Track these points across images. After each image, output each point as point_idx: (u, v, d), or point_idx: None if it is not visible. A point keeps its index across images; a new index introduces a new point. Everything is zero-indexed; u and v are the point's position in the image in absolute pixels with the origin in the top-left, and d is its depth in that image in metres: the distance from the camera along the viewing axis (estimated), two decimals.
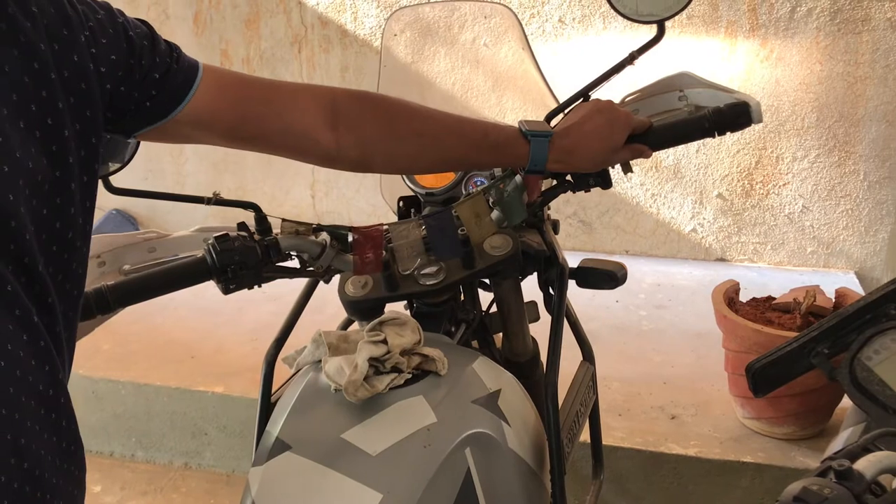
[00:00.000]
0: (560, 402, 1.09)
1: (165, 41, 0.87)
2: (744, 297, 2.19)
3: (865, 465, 0.82)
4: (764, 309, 2.12)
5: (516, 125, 1.00)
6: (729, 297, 2.14)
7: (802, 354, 1.07)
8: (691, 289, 2.94)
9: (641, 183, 3.15)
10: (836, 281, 2.84)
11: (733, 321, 2.00)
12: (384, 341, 0.93)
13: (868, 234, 2.99)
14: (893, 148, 2.87)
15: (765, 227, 3.09)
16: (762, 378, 1.09)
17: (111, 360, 2.53)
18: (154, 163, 3.53)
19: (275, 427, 0.93)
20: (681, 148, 3.06)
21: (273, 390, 1.10)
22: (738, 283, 2.18)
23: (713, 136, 1.02)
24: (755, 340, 1.93)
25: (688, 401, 2.26)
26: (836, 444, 1.06)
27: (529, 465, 0.98)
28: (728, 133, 1.01)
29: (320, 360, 0.98)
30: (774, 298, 2.16)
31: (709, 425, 2.15)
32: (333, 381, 0.92)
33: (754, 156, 3.02)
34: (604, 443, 2.04)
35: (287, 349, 1.11)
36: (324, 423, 0.91)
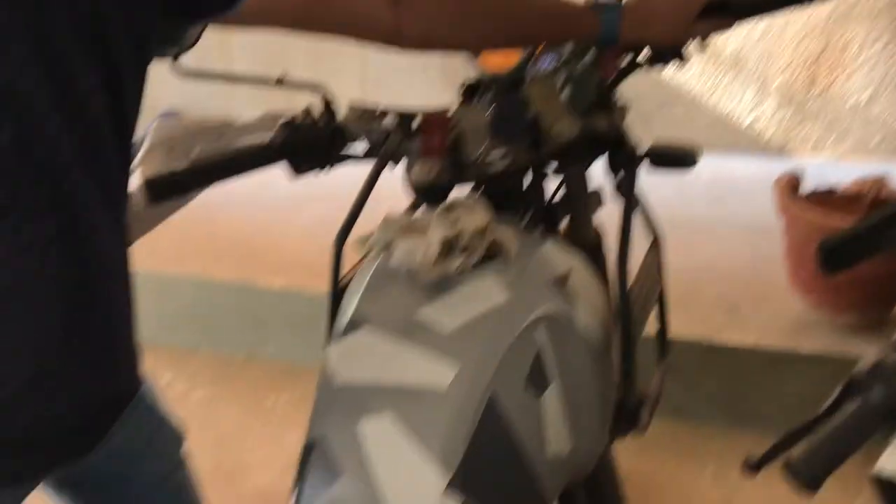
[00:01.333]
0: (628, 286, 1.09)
1: None
2: (805, 190, 2.15)
3: None
4: (826, 200, 2.07)
5: None
6: (791, 185, 2.09)
7: (877, 234, 1.05)
8: (750, 182, 2.88)
9: (700, 73, 3.05)
10: None
11: (795, 209, 1.96)
12: (456, 223, 0.93)
13: None
14: None
15: (828, 118, 2.99)
16: (833, 258, 1.07)
17: (172, 255, 2.60)
18: (200, 62, 3.51)
19: (349, 307, 0.95)
20: (741, 35, 2.94)
21: (341, 275, 1.12)
22: (799, 174, 2.13)
23: (807, 3, 0.97)
24: (818, 228, 1.90)
25: (746, 293, 2.25)
26: None
27: (598, 343, 0.99)
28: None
29: (389, 244, 0.98)
30: (836, 192, 2.11)
31: (767, 316, 2.14)
32: (405, 262, 0.92)
33: (820, 43, 2.89)
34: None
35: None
36: (397, 302, 0.93)
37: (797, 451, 0.77)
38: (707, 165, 3.14)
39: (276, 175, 3.33)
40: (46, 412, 0.83)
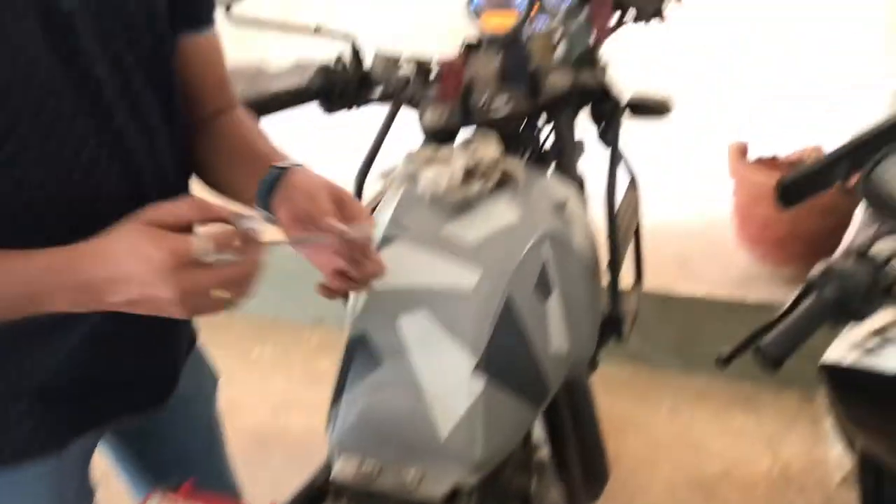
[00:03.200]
0: None
1: None
2: (752, 156, 2.36)
3: (881, 248, 1.00)
4: (771, 165, 2.28)
5: None
6: (740, 153, 2.30)
7: (825, 171, 1.23)
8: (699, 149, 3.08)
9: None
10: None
11: (744, 171, 2.16)
12: (474, 153, 1.08)
13: None
14: None
15: None
16: (789, 191, 1.25)
17: None
18: None
19: (381, 224, 1.09)
20: None
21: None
22: (747, 143, 2.33)
23: None
24: (766, 187, 2.11)
25: (697, 248, 2.45)
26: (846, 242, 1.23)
27: (590, 262, 1.16)
28: None
29: (413, 175, 1.13)
30: (779, 158, 2.33)
31: (716, 269, 2.35)
32: (432, 187, 1.07)
33: None
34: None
35: None
36: (425, 220, 1.07)
37: (766, 338, 0.95)
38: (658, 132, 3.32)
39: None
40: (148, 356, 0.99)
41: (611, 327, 1.26)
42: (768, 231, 2.18)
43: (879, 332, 1.04)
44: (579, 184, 1.40)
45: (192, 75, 0.95)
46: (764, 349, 0.94)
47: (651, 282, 2.32)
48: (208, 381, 1.22)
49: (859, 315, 0.96)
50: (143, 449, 1.17)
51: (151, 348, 1.00)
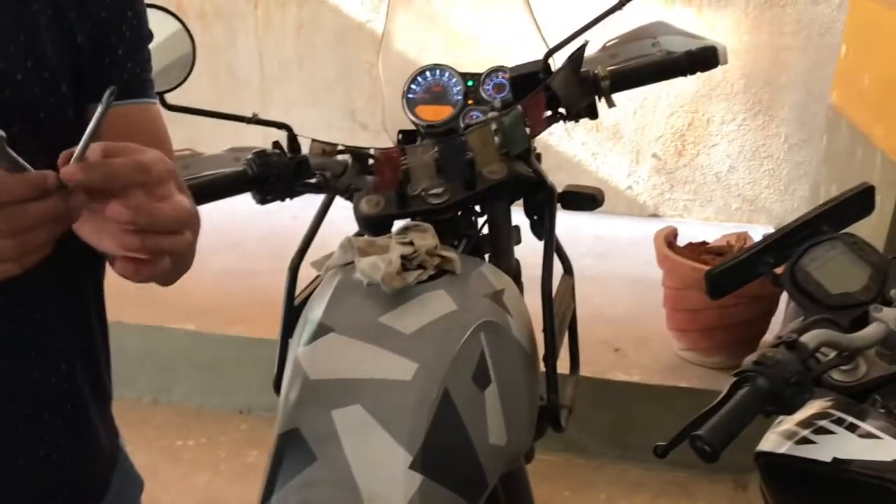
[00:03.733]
0: None
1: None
2: (681, 243, 2.42)
3: (809, 338, 1.01)
4: (700, 252, 2.35)
5: None
6: (668, 241, 2.36)
7: (751, 263, 1.26)
8: (629, 240, 3.17)
9: (583, 143, 3.35)
10: (759, 235, 3.11)
11: (674, 260, 2.22)
12: (411, 243, 1.08)
13: (787, 192, 3.27)
14: (812, 113, 3.14)
15: (694, 185, 3.34)
16: (717, 283, 1.27)
17: None
18: None
19: (315, 315, 1.06)
20: (619, 109, 3.26)
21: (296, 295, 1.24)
22: (676, 229, 2.40)
23: (685, 76, 1.19)
24: (694, 277, 2.15)
25: (629, 336, 2.48)
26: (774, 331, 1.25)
27: (527, 352, 1.15)
28: (697, 73, 1.19)
29: (348, 263, 1.12)
30: (708, 243, 2.39)
31: (649, 357, 2.38)
32: (368, 276, 1.05)
33: (687, 118, 3.25)
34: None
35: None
36: (361, 310, 1.05)
37: (702, 429, 0.95)
38: (590, 225, 3.43)
39: None
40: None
41: (548, 417, 1.25)
42: (698, 319, 2.22)
43: (813, 424, 1.05)
44: (516, 271, 1.40)
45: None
46: (701, 440, 0.93)
47: (587, 368, 2.33)
48: (131, 488, 1.15)
49: (792, 405, 0.97)
50: None
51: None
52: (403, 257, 1.06)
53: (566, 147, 3.36)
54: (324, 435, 0.95)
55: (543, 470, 2.27)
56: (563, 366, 1.30)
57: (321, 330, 1.04)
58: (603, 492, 2.23)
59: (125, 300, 2.57)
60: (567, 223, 3.30)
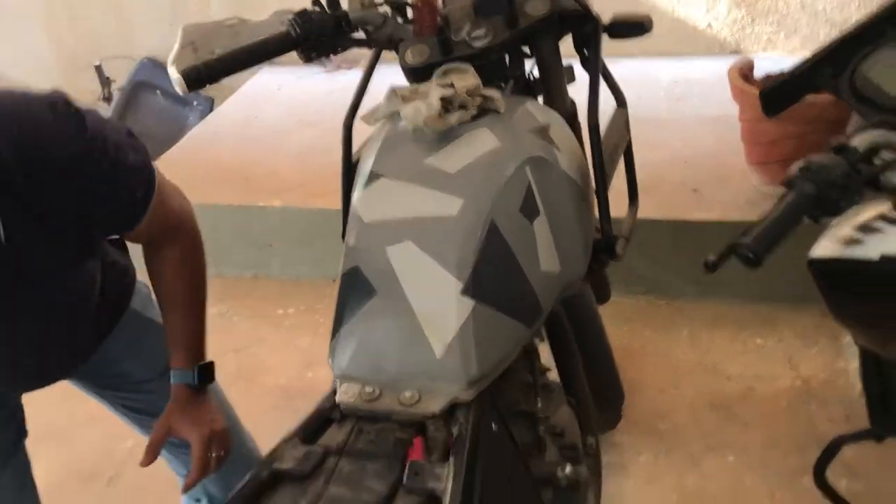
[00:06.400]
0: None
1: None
2: (759, 76, 2.33)
3: (859, 140, 1.00)
4: None
5: None
6: (743, 73, 2.27)
7: (808, 76, 1.23)
8: (708, 81, 3.06)
9: None
10: None
11: (748, 92, 2.15)
12: (451, 85, 1.10)
13: None
14: None
15: (778, 16, 3.16)
16: (772, 99, 1.25)
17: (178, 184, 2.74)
18: (179, 6, 3.64)
19: (366, 165, 1.12)
20: None
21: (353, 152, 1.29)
22: (752, 61, 2.31)
23: None
24: None
25: (708, 176, 2.44)
26: None
27: (578, 184, 1.18)
28: None
29: (395, 112, 1.15)
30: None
31: (728, 195, 2.35)
32: (412, 121, 1.09)
33: None
34: None
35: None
36: (408, 155, 1.10)
37: (745, 237, 0.97)
38: (667, 69, 3.33)
39: (264, 108, 3.53)
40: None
41: (605, 249, 1.28)
42: (776, 150, 2.16)
43: (864, 225, 1.05)
44: (571, 111, 1.41)
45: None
46: (744, 247, 0.95)
47: (665, 211, 2.34)
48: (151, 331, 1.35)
49: (838, 208, 0.97)
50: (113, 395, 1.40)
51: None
52: (444, 99, 1.09)
53: None
54: (381, 270, 1.02)
55: (625, 312, 2.33)
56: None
57: (372, 177, 1.09)
58: (685, 328, 2.27)
59: (216, 183, 2.72)
60: (642, 69, 3.25)
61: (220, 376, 1.32)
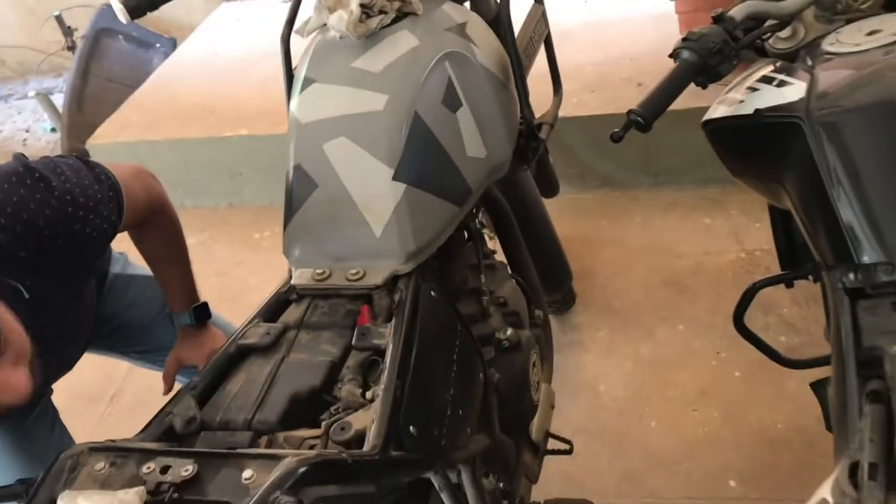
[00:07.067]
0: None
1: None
2: None
3: (736, 10, 1.11)
4: None
5: None
6: None
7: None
8: None
9: None
10: None
11: None
12: None
13: None
14: None
15: None
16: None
17: (142, 126, 2.84)
18: None
19: (300, 72, 1.23)
20: None
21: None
22: None
23: None
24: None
25: (653, 70, 2.54)
26: None
27: (497, 75, 1.29)
28: None
29: (324, 25, 1.26)
30: None
31: None
32: (337, 28, 1.20)
33: None
34: (580, 114, 2.37)
35: None
36: (336, 60, 1.20)
37: (637, 105, 1.08)
38: None
39: (225, 43, 3.59)
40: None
41: (529, 134, 1.40)
42: None
43: (749, 87, 1.17)
44: (495, 11, 1.50)
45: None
46: (634, 113, 1.07)
47: (613, 106, 2.44)
48: (132, 287, 1.52)
49: (718, 73, 1.09)
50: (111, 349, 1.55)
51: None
52: (363, 6, 1.19)
53: None
54: (320, 165, 1.14)
55: (582, 206, 2.47)
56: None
57: (306, 83, 1.21)
58: (638, 215, 2.40)
59: (184, 119, 2.81)
60: None
61: (206, 298, 1.48)
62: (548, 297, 1.80)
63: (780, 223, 1.37)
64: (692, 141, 2.41)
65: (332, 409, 0.94)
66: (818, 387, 1.09)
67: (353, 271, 1.10)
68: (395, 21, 1.22)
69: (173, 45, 3.69)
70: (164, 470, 0.77)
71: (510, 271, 1.52)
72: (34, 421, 1.38)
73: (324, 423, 0.91)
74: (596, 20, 2.91)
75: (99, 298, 1.45)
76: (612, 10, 2.98)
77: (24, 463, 1.33)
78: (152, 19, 3.86)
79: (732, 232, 2.28)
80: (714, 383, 1.85)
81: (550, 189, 1.95)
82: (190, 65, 3.25)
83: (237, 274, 2.50)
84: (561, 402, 1.71)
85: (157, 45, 3.71)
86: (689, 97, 1.11)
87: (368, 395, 0.95)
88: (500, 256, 1.55)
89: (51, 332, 1.16)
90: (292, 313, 1.10)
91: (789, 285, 1.41)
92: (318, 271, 1.12)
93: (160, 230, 1.41)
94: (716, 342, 1.95)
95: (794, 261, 1.40)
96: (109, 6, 3.93)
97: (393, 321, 1.04)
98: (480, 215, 1.48)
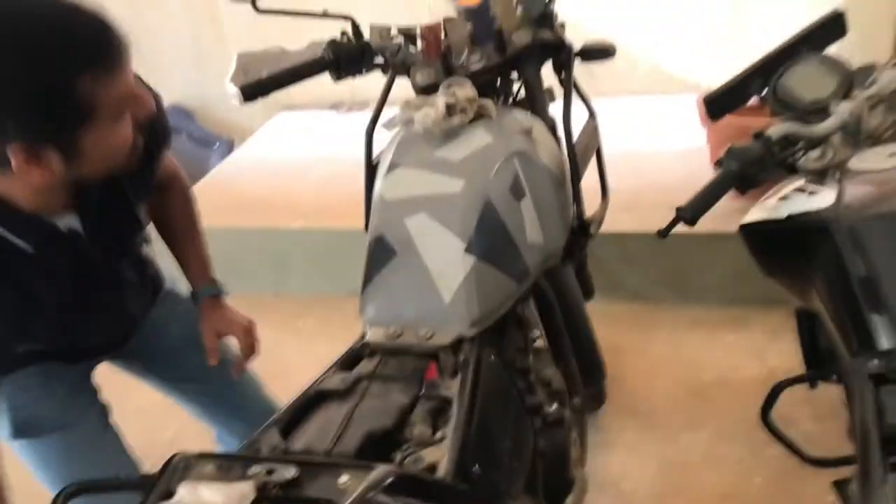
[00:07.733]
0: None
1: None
2: None
3: (773, 130, 1.28)
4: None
5: None
6: None
7: (743, 86, 1.51)
8: (682, 118, 3.36)
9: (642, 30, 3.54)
10: None
11: None
12: (453, 94, 1.39)
13: None
14: None
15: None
16: (714, 105, 1.53)
17: (203, 215, 3.03)
18: (202, 54, 3.99)
19: (386, 159, 1.40)
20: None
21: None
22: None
23: None
24: (733, 128, 2.38)
25: (684, 198, 2.71)
26: None
27: (555, 174, 1.46)
28: None
29: (409, 119, 1.44)
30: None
31: None
32: (422, 123, 1.38)
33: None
34: (615, 230, 2.53)
35: None
36: (420, 149, 1.38)
37: (685, 204, 1.24)
38: (647, 105, 3.63)
39: (282, 147, 3.87)
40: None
41: (580, 228, 1.56)
42: None
43: (783, 196, 1.33)
44: (551, 124, 1.70)
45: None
46: (683, 211, 1.23)
47: (645, 225, 2.61)
48: (180, 304, 1.66)
49: (755, 182, 1.26)
50: (145, 366, 1.69)
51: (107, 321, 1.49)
52: (448, 105, 1.38)
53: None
54: (400, 237, 1.29)
55: (611, 316, 2.59)
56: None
57: (392, 167, 1.37)
58: (664, 330, 2.52)
59: (240, 210, 3.00)
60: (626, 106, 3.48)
61: None
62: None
63: (806, 325, 1.49)
64: (717, 262, 2.58)
65: (405, 446, 1.05)
66: (841, 485, 1.17)
67: (424, 331, 1.23)
68: (472, 121, 1.40)
69: (231, 146, 3.95)
70: (269, 472, 0.88)
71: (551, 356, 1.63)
72: (90, 416, 1.53)
73: (398, 455, 1.01)
74: (632, 150, 3.13)
75: (154, 303, 1.60)
76: (645, 143, 3.21)
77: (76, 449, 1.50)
78: (214, 120, 4.15)
79: (755, 350, 2.39)
80: (735, 487, 1.92)
81: (587, 292, 2.09)
82: (248, 164, 3.49)
83: (277, 357, 2.61)
84: (586, 497, 1.78)
85: (216, 145, 3.97)
86: (713, 220, 1.27)
87: (438, 434, 1.06)
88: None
89: (102, 274, 1.35)
90: (365, 366, 1.22)
91: (813, 385, 1.52)
92: (391, 330, 1.25)
93: (179, 195, 1.60)
94: (738, 449, 2.03)
95: (818, 363, 1.51)
96: (174, 106, 4.22)
97: (458, 376, 1.16)
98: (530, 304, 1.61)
